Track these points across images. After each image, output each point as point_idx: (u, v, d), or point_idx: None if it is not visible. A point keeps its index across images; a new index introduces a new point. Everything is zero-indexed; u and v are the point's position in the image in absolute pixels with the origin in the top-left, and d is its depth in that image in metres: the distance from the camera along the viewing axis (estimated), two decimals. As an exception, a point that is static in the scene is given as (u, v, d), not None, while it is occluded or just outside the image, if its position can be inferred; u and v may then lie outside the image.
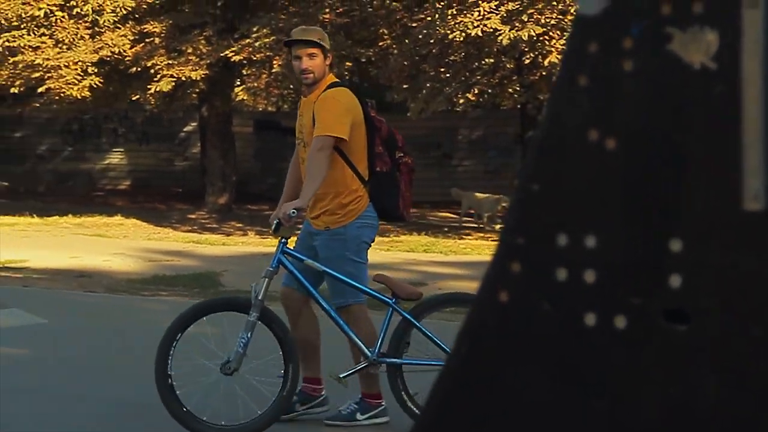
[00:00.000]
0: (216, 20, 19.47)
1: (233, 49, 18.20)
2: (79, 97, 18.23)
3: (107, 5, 17.58)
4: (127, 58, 18.32)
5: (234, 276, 12.77)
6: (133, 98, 20.58)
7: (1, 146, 28.95)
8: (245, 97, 20.12)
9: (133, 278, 12.50)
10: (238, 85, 20.10)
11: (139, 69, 18.59)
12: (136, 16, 18.59)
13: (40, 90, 18.30)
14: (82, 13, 17.62)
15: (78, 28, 17.69)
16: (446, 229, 19.42)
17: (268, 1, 19.74)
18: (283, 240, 5.61)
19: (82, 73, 17.89)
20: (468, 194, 20.08)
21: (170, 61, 18.24)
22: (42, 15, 17.40)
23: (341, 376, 5.64)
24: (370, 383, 5.75)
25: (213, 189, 21.71)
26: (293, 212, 5.40)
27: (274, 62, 18.07)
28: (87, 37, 17.91)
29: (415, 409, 5.54)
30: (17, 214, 20.05)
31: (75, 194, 25.56)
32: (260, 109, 30.76)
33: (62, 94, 18.09)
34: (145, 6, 18.64)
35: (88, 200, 24.19)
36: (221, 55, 18.40)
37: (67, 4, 17.73)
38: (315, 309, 5.89)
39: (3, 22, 17.38)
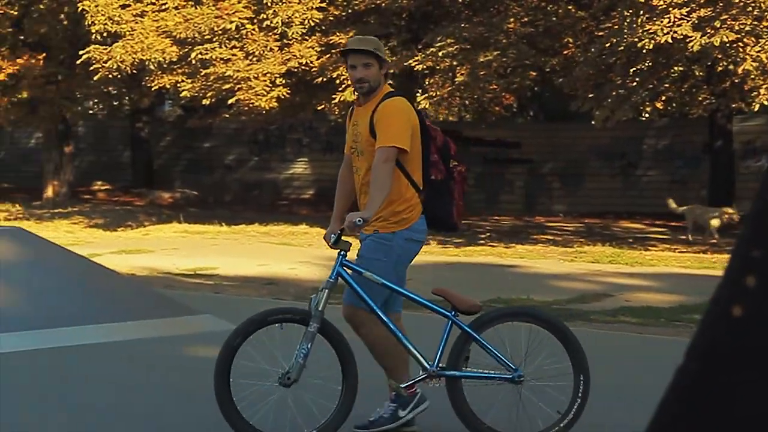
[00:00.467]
0: (401, 31, 19.60)
1: (417, 58, 18.29)
2: (267, 108, 18.62)
3: (296, 18, 17.90)
4: (314, 69, 18.62)
5: (418, 285, 12.74)
6: (318, 108, 20.91)
7: (191, 157, 29.88)
8: (427, 107, 20.17)
9: (318, 286, 12.63)
10: (421, 95, 20.18)
11: (324, 79, 18.88)
12: (323, 27, 18.89)
13: (230, 101, 18.78)
14: (272, 25, 17.99)
15: (267, 41, 18.08)
16: (631, 240, 19.04)
17: (452, 12, 19.77)
18: (342, 253, 5.57)
19: (270, 84, 18.26)
20: (693, 207, 18.74)
21: (355, 72, 18.46)
22: (233, 28, 17.85)
23: (402, 386, 5.60)
24: (401, 373, 5.71)
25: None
26: (359, 221, 5.36)
27: (458, 71, 18.07)
28: (276, 48, 18.29)
29: (477, 424, 5.49)
30: (207, 223, 20.62)
31: (261, 203, 26.14)
32: (441, 119, 30.88)
33: (251, 105, 18.50)
34: (331, 18, 18.92)
35: (273, 209, 24.69)
36: (405, 64, 18.52)
37: (258, 17, 18.14)
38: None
39: (196, 35, 17.90)
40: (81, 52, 19.27)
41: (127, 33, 18.32)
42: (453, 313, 5.56)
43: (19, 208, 24.20)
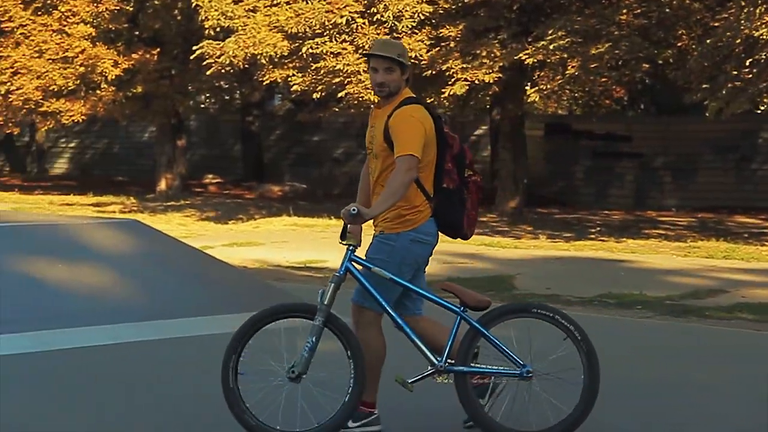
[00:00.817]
0: (511, 23, 19.48)
1: (527, 52, 18.16)
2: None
3: (406, 11, 17.92)
4: (423, 62, 18.62)
5: (528, 279, 12.73)
6: (428, 102, 20.90)
7: (300, 150, 30.16)
8: (537, 100, 20.03)
9: (428, 279, 12.54)
10: (530, 88, 20.04)
11: (434, 72, 18.86)
12: (433, 21, 18.86)
13: (339, 95, 18.88)
14: (383, 19, 18.03)
15: (378, 34, 18.12)
16: (746, 235, 18.64)
17: (563, 4, 19.57)
18: (350, 247, 5.53)
19: (379, 78, 18.28)
20: None
21: (464, 65, 18.40)
22: (344, 22, 17.93)
23: (409, 381, 5.54)
24: (368, 390, 5.63)
25: (504, 192, 21.75)
26: (354, 210, 5.32)
27: (569, 64, 17.88)
28: (383, 42, 18.31)
29: (485, 418, 5.45)
30: (316, 216, 20.78)
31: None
32: (550, 111, 30.62)
33: (360, 99, 18.57)
34: (441, 11, 18.88)
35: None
36: (515, 58, 18.39)
37: (368, 11, 18.20)
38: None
39: (307, 30, 18.03)
40: (194, 48, 19.56)
41: (240, 28, 18.53)
42: (462, 308, 5.50)
43: (134, 201, 24.70)
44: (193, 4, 19.35)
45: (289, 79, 19.14)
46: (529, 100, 19.82)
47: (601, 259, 15.01)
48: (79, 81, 22.93)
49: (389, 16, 17.94)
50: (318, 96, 19.31)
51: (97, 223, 10.77)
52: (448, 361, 5.50)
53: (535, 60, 18.09)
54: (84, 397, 6.42)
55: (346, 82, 18.38)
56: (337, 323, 5.47)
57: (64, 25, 22.53)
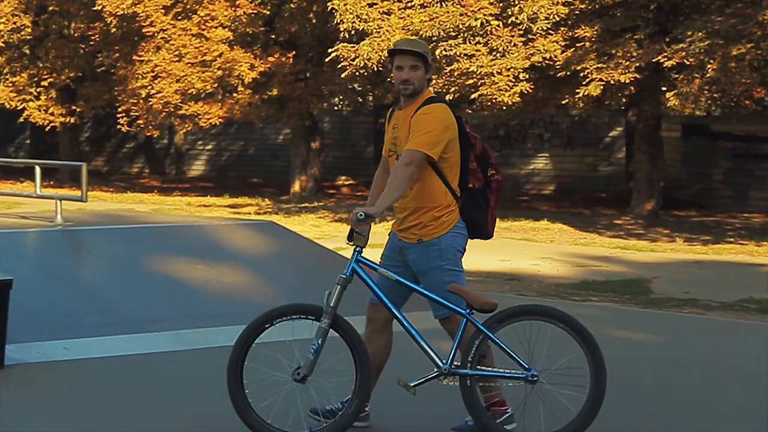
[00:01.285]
0: (648, 23, 19.16)
1: (665, 54, 17.83)
2: (510, 103, 18.58)
3: (541, 13, 17.80)
4: (558, 63, 18.45)
5: (664, 283, 12.51)
6: (562, 103, 20.71)
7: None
8: (675, 103, 19.65)
9: (562, 282, 12.55)
10: (668, 90, 19.67)
11: (568, 73, 18.67)
12: (569, 22, 18.69)
13: (472, 96, 18.83)
14: (517, 21, 17.95)
15: (512, 36, 18.04)
16: None
17: (702, 3, 19.17)
18: (357, 249, 5.51)
19: (513, 80, 18.22)
20: None
21: (600, 65, 18.18)
22: (478, 25, 17.90)
23: (411, 384, 5.50)
24: (491, 390, 5.58)
25: (639, 194, 21.41)
26: (361, 215, 5.31)
27: (708, 66, 17.50)
28: (519, 44, 18.23)
29: (489, 422, 5.40)
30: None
31: (501, 198, 26.00)
32: (687, 113, 30.01)
33: (494, 101, 18.50)
34: (577, 12, 18.69)
35: (514, 204, 24.63)
36: (653, 60, 18.09)
37: (503, 14, 18.14)
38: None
39: (441, 32, 18.04)
40: (329, 50, 19.75)
41: (374, 31, 18.64)
42: (468, 310, 5.46)
43: (268, 203, 25.04)
44: (329, 8, 19.54)
45: (423, 80, 19.14)
46: (669, 104, 19.41)
47: (741, 263, 14.66)
48: (216, 84, 23.37)
49: (524, 18, 17.84)
50: (451, 98, 19.29)
51: (234, 225, 10.96)
52: (454, 363, 5.48)
53: (674, 62, 17.75)
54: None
55: (479, 84, 18.33)
56: (344, 325, 5.47)
57: (203, 30, 22.99)
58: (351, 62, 18.93)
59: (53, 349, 7.39)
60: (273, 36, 24.81)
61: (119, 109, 25.77)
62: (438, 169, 5.58)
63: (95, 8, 24.06)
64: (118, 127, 26.58)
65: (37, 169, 10.39)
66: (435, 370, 5.50)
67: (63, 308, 7.93)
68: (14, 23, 26.86)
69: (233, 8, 22.76)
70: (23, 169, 24.35)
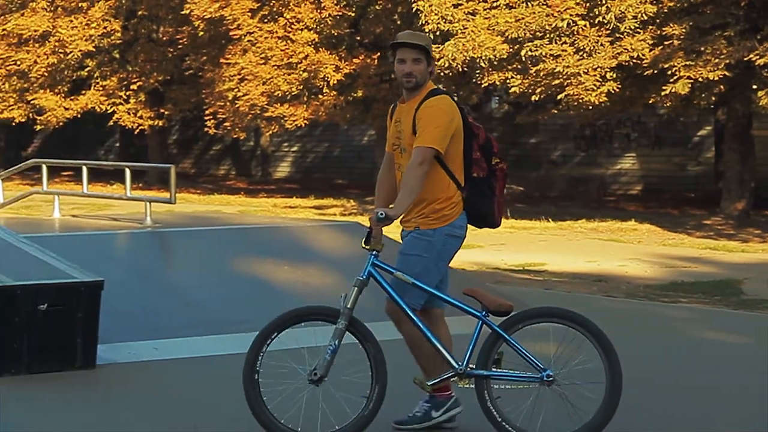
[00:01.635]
0: (739, 20, 18.85)
1: (757, 51, 17.53)
2: (597, 103, 18.41)
3: (629, 12, 17.63)
4: (645, 62, 18.23)
5: (756, 284, 12.29)
6: (649, 102, 20.47)
7: (517, 152, 30.01)
8: (766, 101, 19.29)
9: (650, 284, 12.39)
10: (759, 88, 19.31)
11: (655, 72, 18.45)
12: (657, 20, 18.46)
13: (558, 97, 18.70)
14: (604, 21, 17.80)
15: (599, 36, 17.89)
16: None
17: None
18: (373, 252, 5.49)
19: (600, 79, 18.05)
20: None
21: (688, 63, 17.93)
22: (564, 25, 17.78)
23: (428, 383, 5.51)
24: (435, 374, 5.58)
25: (729, 194, 21.06)
26: (381, 214, 5.31)
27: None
28: (606, 43, 18.06)
29: (503, 422, 5.36)
30: (533, 218, 20.63)
31: (587, 199, 25.91)
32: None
33: (580, 101, 18.36)
34: (665, 10, 18.46)
35: (600, 205, 24.41)
36: (743, 58, 17.79)
37: (589, 14, 17.99)
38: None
39: (527, 33, 17.96)
40: (414, 51, 19.75)
41: (459, 31, 18.61)
42: (483, 313, 5.46)
43: (353, 204, 25.12)
44: (414, 9, 19.55)
45: (508, 81, 19.09)
46: (761, 103, 19.04)
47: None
48: (302, 86, 23.51)
49: (611, 18, 17.68)
50: (537, 98, 19.19)
51: (320, 226, 11.01)
52: (470, 365, 5.46)
53: (765, 60, 17.43)
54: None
55: (565, 84, 18.21)
56: (360, 327, 5.47)
57: (289, 32, 23.15)
58: (435, 63, 18.90)
59: (143, 349, 7.50)
60: (358, 38, 24.89)
61: (206, 112, 26.07)
62: (442, 161, 5.58)
63: (183, 12, 24.40)
64: (205, 129, 26.89)
65: (128, 172, 10.53)
66: (450, 371, 5.50)
67: (153, 309, 8.04)
68: (105, 28, 27.33)
69: (319, 10, 22.88)
70: (112, 171, 24.73)
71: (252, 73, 23.26)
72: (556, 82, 18.19)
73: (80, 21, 27.07)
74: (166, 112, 29.59)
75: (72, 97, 28.91)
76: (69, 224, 10.76)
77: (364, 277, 5.50)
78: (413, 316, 5.54)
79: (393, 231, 6.29)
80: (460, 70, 19.61)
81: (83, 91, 29.30)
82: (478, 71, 19.54)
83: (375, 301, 5.69)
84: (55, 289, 7.11)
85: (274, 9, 23.41)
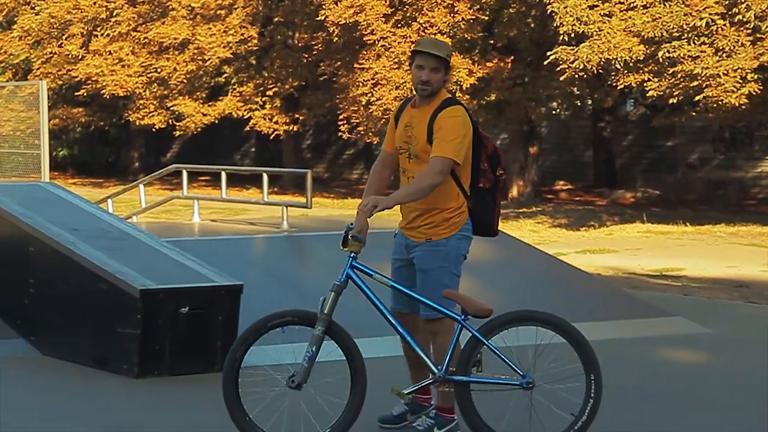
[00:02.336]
0: None
1: None
2: (737, 105, 18.00)
3: (771, 10, 17.22)
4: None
5: None
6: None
7: (653, 155, 29.55)
8: None
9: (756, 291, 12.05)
10: None
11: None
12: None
13: (696, 98, 18.33)
14: (744, 20, 17.38)
15: (739, 35, 17.48)
16: None
17: None
18: (351, 254, 5.46)
19: (740, 81, 17.64)
20: None
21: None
22: (703, 25, 17.42)
23: (405, 391, 5.44)
24: (447, 397, 5.53)
25: None
26: (375, 207, 5.43)
27: None
28: (747, 43, 17.64)
29: (484, 429, 5.36)
30: (670, 223, 20.27)
31: (726, 202, 25.32)
32: None
33: (719, 102, 17.97)
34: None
35: (739, 209, 23.84)
36: None
37: (729, 12, 17.60)
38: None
39: (664, 33, 17.66)
40: (548, 53, 19.62)
41: (594, 33, 18.40)
42: (463, 317, 5.40)
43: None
44: (548, 11, 19.40)
45: (645, 84, 18.79)
46: None
47: None
48: (435, 91, 23.52)
49: (751, 17, 17.26)
50: (675, 101, 18.85)
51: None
52: (449, 370, 5.42)
53: None
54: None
55: (704, 85, 17.84)
56: (340, 333, 5.46)
57: (422, 36, 23.19)
58: (570, 65, 18.74)
59: (282, 352, 7.57)
60: (491, 41, 24.80)
61: (340, 117, 26.29)
62: (453, 171, 5.62)
63: (318, 18, 24.65)
64: (339, 134, 27.12)
65: (265, 177, 10.69)
66: (430, 376, 5.50)
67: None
68: (242, 35, 27.78)
69: (452, 15, 22.86)
70: (247, 176, 25.13)
71: (385, 78, 23.36)
72: (695, 83, 17.83)
73: (218, 28, 27.57)
74: (300, 117, 29.93)
75: (210, 103, 29.47)
76: (208, 228, 10.98)
77: (343, 280, 5.54)
78: (391, 318, 5.61)
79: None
80: (595, 72, 19.38)
81: (220, 97, 29.85)
82: (613, 73, 19.28)
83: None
84: (196, 292, 7.26)
85: (408, 14, 23.48)
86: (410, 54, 5.77)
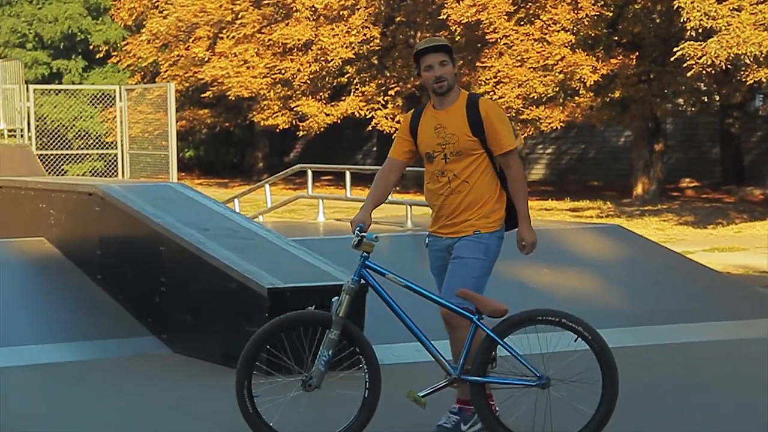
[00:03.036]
0: None
1: None
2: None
3: None
4: None
5: None
6: None
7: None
8: None
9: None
10: None
11: None
12: None
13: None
14: None
15: None
16: None
17: None
18: (364, 254, 5.39)
19: None
20: None
21: None
22: None
23: (420, 395, 5.31)
24: (468, 389, 5.45)
25: None
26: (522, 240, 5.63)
27: None
28: None
29: (499, 428, 5.27)
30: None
31: None
32: None
33: None
34: None
35: None
36: None
37: None
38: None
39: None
40: (675, 49, 19.30)
41: (723, 27, 18.03)
42: (477, 316, 5.31)
43: (610, 206, 24.76)
44: (675, 6, 19.08)
45: (775, 79, 18.37)
46: None
47: None
48: (558, 88, 23.35)
49: None
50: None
51: (579, 229, 10.91)
52: (465, 369, 5.35)
53: None
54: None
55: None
56: (354, 336, 5.38)
57: (545, 34, 23.02)
58: (697, 61, 18.39)
59: (406, 351, 7.62)
60: (615, 38, 24.50)
61: (462, 115, 26.25)
62: (492, 160, 5.62)
63: (440, 17, 24.66)
64: (461, 132, 27.09)
65: (390, 176, 10.73)
66: (446, 377, 5.44)
67: (413, 311, 8.15)
68: (364, 35, 27.95)
69: (576, 11, 22.65)
70: (370, 175, 25.27)
71: (508, 76, 23.25)
72: None
73: (341, 29, 27.79)
74: (422, 116, 30.01)
75: (332, 103, 29.73)
76: (333, 227, 11.10)
77: (355, 281, 5.46)
78: (404, 317, 5.57)
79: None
80: (723, 67, 18.99)
81: (343, 97, 30.08)
82: (742, 68, 18.87)
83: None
84: (322, 290, 7.32)
85: (531, 11, 23.33)
86: (414, 63, 5.73)
